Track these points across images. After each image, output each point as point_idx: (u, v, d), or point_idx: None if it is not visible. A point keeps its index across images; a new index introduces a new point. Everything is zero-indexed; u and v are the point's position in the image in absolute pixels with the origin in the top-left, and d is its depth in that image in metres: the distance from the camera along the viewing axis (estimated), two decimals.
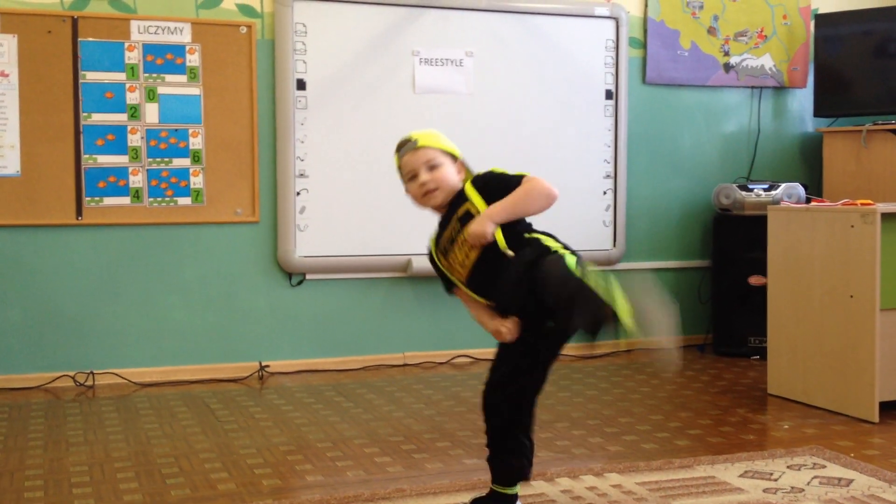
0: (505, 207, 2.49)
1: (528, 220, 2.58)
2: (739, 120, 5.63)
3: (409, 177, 2.62)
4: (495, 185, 2.55)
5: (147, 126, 4.56)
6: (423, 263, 4.89)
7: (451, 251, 2.58)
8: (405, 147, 2.63)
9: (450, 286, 2.66)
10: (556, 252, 2.45)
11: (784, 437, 3.58)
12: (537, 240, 2.51)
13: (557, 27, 5.13)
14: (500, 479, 2.66)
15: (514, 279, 2.42)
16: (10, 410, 4.03)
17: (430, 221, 2.55)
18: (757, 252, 4.72)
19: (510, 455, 2.61)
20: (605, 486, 2.95)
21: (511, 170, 2.60)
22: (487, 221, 2.47)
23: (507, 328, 2.51)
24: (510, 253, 2.45)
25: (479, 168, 2.65)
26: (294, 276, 4.82)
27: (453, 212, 2.59)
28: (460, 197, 2.59)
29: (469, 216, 2.53)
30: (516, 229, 2.51)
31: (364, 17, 4.81)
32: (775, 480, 3.01)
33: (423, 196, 2.61)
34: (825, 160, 5.48)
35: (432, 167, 2.59)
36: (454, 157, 2.64)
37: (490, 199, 2.53)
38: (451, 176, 2.60)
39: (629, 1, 5.32)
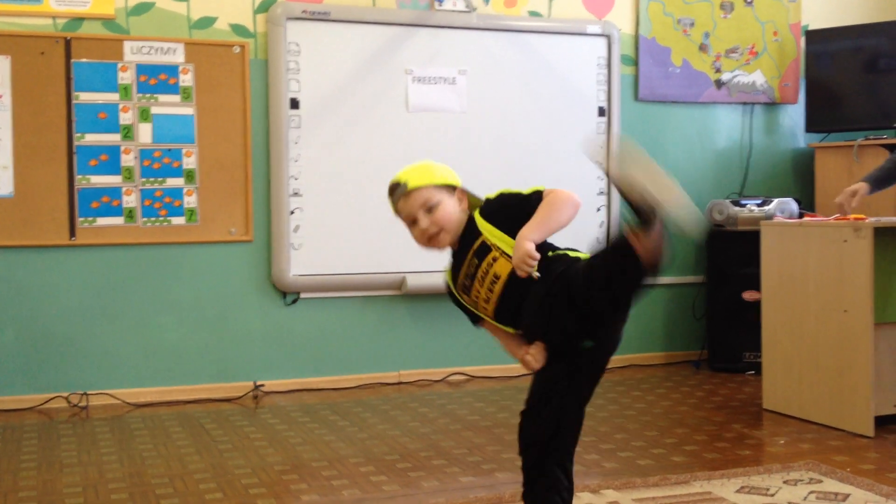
0: (538, 225, 2.26)
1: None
2: (731, 136, 5.65)
3: (408, 222, 2.40)
4: (511, 209, 2.34)
5: (140, 146, 4.56)
6: (417, 281, 4.92)
7: (472, 287, 2.36)
8: (396, 192, 2.39)
9: (476, 319, 2.45)
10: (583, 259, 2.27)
11: (780, 453, 3.58)
12: (564, 255, 2.31)
13: (550, 45, 5.16)
14: None
15: (540, 294, 2.24)
16: (3, 432, 4.01)
17: None
18: (751, 267, 4.73)
19: (545, 491, 2.36)
20: (601, 503, 2.94)
21: (525, 188, 2.38)
22: (526, 243, 2.22)
23: (532, 355, 2.30)
24: (536, 274, 2.23)
25: (480, 189, 2.51)
26: (288, 294, 4.82)
27: (468, 246, 2.36)
28: (471, 229, 2.36)
29: (486, 249, 2.31)
30: (540, 249, 2.26)
31: (357, 36, 4.82)
32: (772, 496, 3.00)
33: (428, 241, 2.39)
34: (817, 175, 5.50)
35: (430, 209, 2.36)
36: (452, 188, 2.40)
37: (505, 224, 2.32)
38: (452, 213, 2.38)
39: (621, 19, 5.35)
